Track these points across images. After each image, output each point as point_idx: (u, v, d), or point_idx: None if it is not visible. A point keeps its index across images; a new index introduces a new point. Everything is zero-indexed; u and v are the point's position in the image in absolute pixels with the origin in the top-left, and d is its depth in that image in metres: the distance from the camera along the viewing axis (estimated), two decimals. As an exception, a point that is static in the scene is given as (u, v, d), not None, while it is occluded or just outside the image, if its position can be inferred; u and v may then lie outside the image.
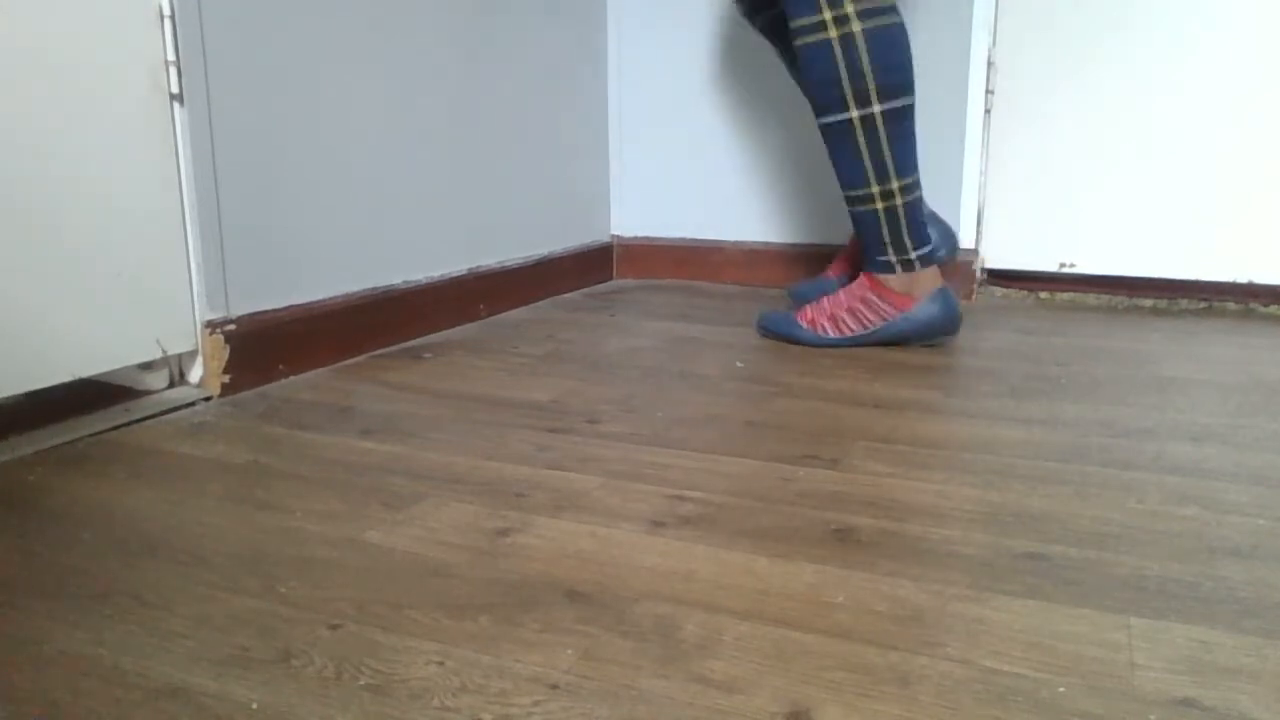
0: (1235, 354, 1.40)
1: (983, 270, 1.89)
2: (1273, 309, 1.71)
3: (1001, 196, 1.85)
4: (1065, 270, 1.83)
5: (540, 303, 1.84)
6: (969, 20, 1.76)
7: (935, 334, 1.42)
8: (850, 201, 1.40)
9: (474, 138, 1.65)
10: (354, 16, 1.36)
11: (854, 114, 1.32)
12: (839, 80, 1.31)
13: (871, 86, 1.31)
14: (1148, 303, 1.79)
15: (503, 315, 1.72)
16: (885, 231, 1.37)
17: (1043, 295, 1.86)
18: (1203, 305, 1.76)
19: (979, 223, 1.86)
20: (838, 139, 1.36)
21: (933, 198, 1.84)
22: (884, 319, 1.41)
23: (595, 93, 2.03)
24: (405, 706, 0.56)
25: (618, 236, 2.13)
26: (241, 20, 1.18)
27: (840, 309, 1.43)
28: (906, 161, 1.36)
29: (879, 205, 1.36)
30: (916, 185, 1.37)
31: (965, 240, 1.85)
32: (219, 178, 1.17)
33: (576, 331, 1.58)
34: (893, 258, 1.39)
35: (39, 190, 1.00)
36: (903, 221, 1.37)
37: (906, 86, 1.33)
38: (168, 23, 1.10)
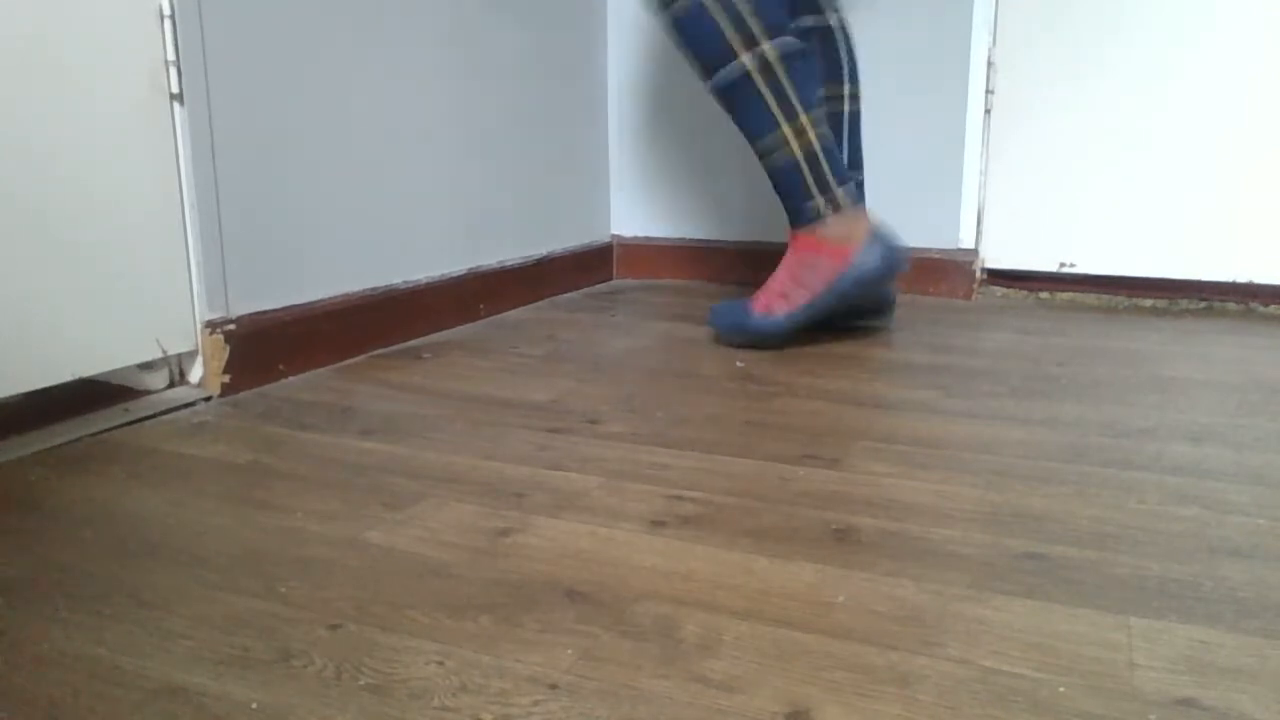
0: (1235, 354, 1.40)
1: (983, 270, 1.89)
2: (1273, 309, 1.71)
3: (1001, 196, 1.85)
4: (1065, 270, 1.83)
5: (540, 303, 1.84)
6: (969, 20, 1.76)
7: (883, 276, 1.37)
8: (765, 155, 1.36)
9: (474, 138, 1.65)
10: (354, 16, 1.36)
11: (745, 58, 1.30)
12: (722, 32, 1.30)
13: (756, 29, 1.30)
14: (1148, 303, 1.79)
15: (503, 315, 1.72)
16: (807, 173, 1.34)
17: (1043, 295, 1.86)
18: (1203, 305, 1.76)
19: (979, 223, 1.86)
20: (737, 92, 1.33)
21: (933, 197, 1.84)
22: (826, 277, 1.36)
23: (595, 93, 2.03)
24: (405, 706, 0.56)
25: (618, 236, 2.13)
26: (241, 20, 1.18)
27: (786, 284, 1.38)
28: (809, 97, 1.34)
29: (795, 146, 1.33)
30: (824, 121, 1.35)
31: (965, 240, 1.85)
32: (219, 178, 1.17)
33: (576, 331, 1.58)
34: (819, 200, 1.35)
35: (39, 190, 1.00)
36: (821, 158, 1.34)
37: (785, 27, 1.32)
38: (168, 23, 1.10)
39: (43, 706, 0.56)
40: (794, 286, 1.37)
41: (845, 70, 1.56)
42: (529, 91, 1.79)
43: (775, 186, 1.39)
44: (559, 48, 1.87)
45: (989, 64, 1.80)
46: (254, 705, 0.56)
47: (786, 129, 1.33)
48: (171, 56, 1.11)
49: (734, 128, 1.98)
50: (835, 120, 1.56)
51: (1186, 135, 1.71)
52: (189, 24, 1.12)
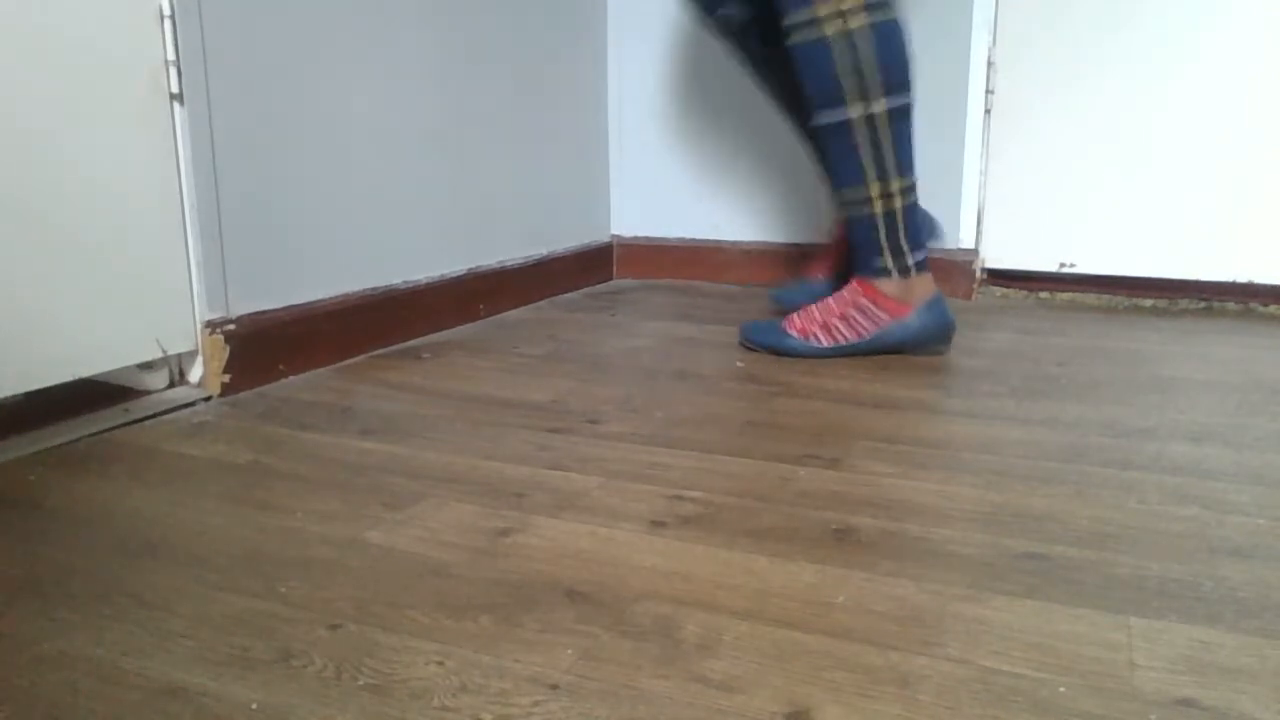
0: (1235, 354, 1.40)
1: (983, 270, 1.89)
2: (1273, 309, 1.71)
3: (1001, 196, 1.85)
4: (1065, 270, 1.83)
5: (540, 303, 1.84)
6: (969, 20, 1.76)
7: (929, 343, 1.38)
8: (845, 205, 1.36)
9: (474, 138, 1.65)
10: (354, 16, 1.36)
11: (855, 112, 1.28)
12: (838, 77, 1.27)
13: (873, 83, 1.27)
14: (1148, 303, 1.79)
15: (503, 315, 1.72)
16: (883, 236, 1.33)
17: (1043, 295, 1.86)
18: (1203, 305, 1.76)
19: (979, 223, 1.86)
20: (835, 139, 1.32)
21: (933, 197, 1.84)
22: (878, 326, 1.36)
23: (595, 93, 2.03)
24: (405, 706, 0.56)
25: (618, 236, 2.13)
26: (241, 20, 1.18)
27: (833, 316, 1.38)
28: (906, 162, 1.32)
29: (877, 208, 1.32)
30: (914, 188, 1.34)
31: (965, 240, 1.85)
32: (219, 178, 1.17)
33: (576, 331, 1.58)
34: (889, 263, 1.35)
35: (39, 190, 1.00)
36: (901, 225, 1.33)
37: (907, 84, 1.30)
38: (168, 23, 1.10)
39: (43, 706, 0.56)
40: (840, 324, 1.37)
41: None
42: (529, 92, 1.79)
43: (849, 231, 1.38)
44: (559, 48, 1.87)
45: (989, 64, 1.80)
46: (254, 705, 0.56)
47: (874, 188, 1.32)
48: (171, 56, 1.11)
49: (734, 128, 1.98)
50: None
51: (1186, 135, 1.71)
52: (189, 24, 1.12)
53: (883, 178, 1.32)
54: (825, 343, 1.38)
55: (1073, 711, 0.55)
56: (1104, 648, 0.62)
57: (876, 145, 1.30)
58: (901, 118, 1.30)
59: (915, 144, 1.33)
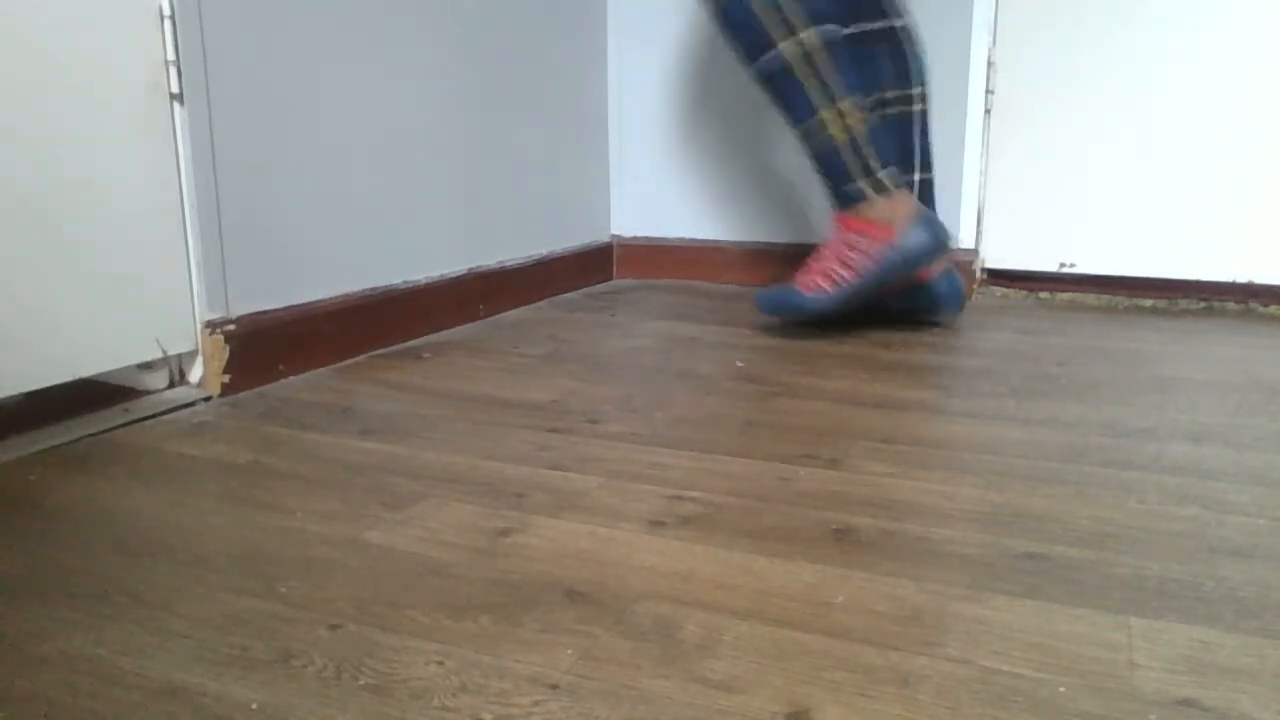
0: (1235, 354, 1.40)
1: (983, 270, 1.89)
2: (1273, 309, 1.71)
3: (1001, 196, 1.85)
4: (1065, 270, 1.83)
5: (540, 303, 1.84)
6: (969, 20, 1.76)
7: (927, 257, 1.39)
8: (806, 139, 1.38)
9: (474, 138, 1.65)
10: (354, 17, 1.36)
11: (785, 45, 1.33)
12: (762, 21, 1.33)
13: (796, 17, 1.32)
14: (1148, 303, 1.79)
15: (503, 315, 1.72)
16: (849, 157, 1.36)
17: (1043, 295, 1.86)
18: (1203, 305, 1.76)
19: (979, 223, 1.86)
20: (777, 79, 1.36)
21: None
22: (873, 258, 1.37)
23: (595, 93, 2.03)
24: (405, 706, 0.56)
25: (618, 236, 2.13)
26: (241, 20, 1.18)
27: (829, 261, 1.39)
28: (850, 83, 1.35)
29: (835, 131, 1.35)
30: (865, 106, 1.36)
31: (965, 240, 1.85)
32: (219, 178, 1.17)
33: (576, 331, 1.58)
34: (862, 182, 1.37)
35: (39, 190, 1.00)
36: (863, 142, 1.36)
37: (826, 13, 1.34)
38: (168, 23, 1.10)
39: (42, 706, 0.56)
40: (839, 266, 1.39)
41: (914, 73, 1.58)
42: (529, 92, 1.79)
43: (818, 169, 1.41)
44: (559, 48, 1.87)
45: (989, 64, 1.80)
46: (254, 705, 0.56)
47: (826, 114, 1.35)
48: (171, 56, 1.11)
49: (734, 128, 1.98)
50: (906, 121, 1.57)
51: (1186, 135, 1.71)
52: (189, 24, 1.12)
53: (830, 102, 1.35)
54: (830, 290, 1.39)
55: (1073, 711, 0.55)
56: (1104, 648, 0.62)
57: (816, 74, 1.34)
58: (833, 46, 1.34)
59: (858, 74, 1.40)
